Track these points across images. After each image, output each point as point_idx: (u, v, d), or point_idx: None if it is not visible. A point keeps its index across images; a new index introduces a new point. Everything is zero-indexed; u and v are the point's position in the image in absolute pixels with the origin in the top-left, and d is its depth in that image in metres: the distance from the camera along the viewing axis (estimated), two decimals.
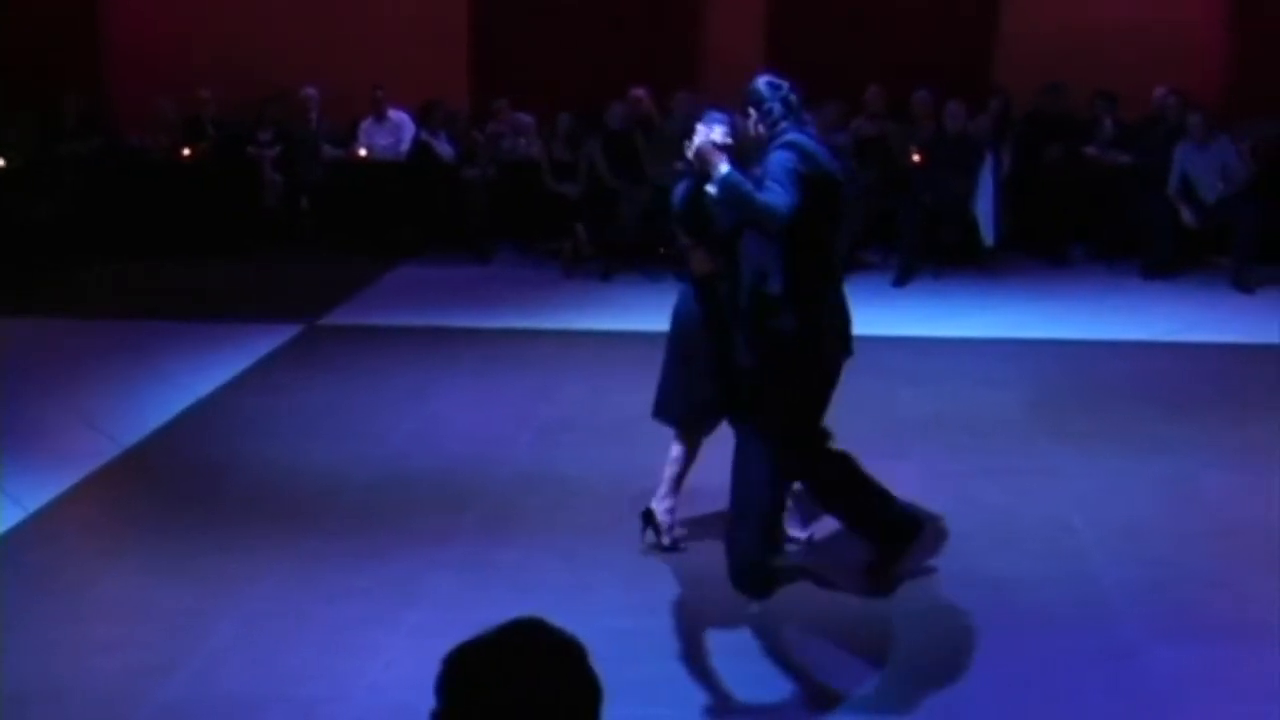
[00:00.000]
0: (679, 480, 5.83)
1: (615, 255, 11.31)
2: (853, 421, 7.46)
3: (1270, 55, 12.44)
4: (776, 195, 4.92)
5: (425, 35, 13.35)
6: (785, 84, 5.28)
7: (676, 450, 5.81)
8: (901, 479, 6.61)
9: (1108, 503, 6.38)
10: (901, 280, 10.99)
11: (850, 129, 11.98)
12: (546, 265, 11.63)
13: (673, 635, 5.17)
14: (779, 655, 5.07)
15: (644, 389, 8.17)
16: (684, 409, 5.75)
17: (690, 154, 5.23)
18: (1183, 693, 4.81)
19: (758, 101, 5.21)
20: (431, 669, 2.00)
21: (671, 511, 5.87)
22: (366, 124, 12.63)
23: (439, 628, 4.94)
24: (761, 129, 5.20)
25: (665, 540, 5.86)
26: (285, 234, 12.41)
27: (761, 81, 5.29)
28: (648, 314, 10.10)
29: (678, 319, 5.72)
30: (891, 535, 5.65)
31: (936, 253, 11.15)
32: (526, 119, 12.49)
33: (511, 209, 12.10)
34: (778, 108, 5.18)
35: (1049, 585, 5.62)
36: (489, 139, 12.45)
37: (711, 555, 5.83)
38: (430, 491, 6.64)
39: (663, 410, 5.85)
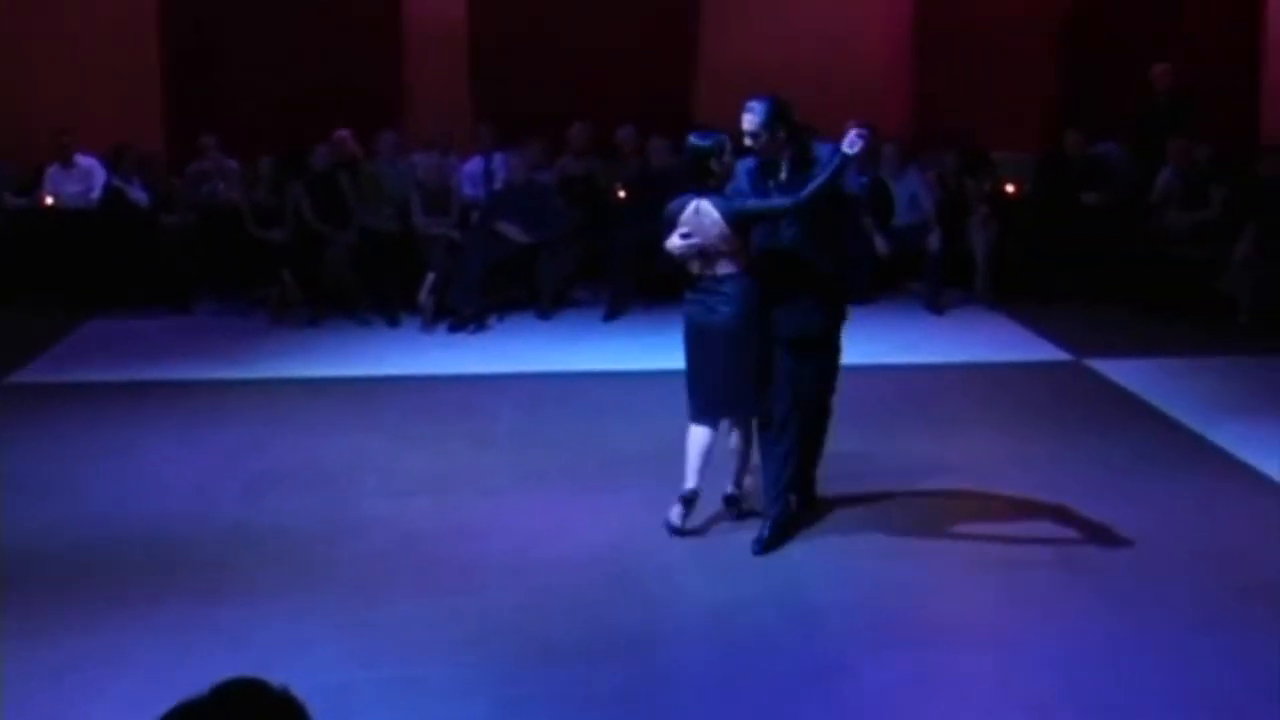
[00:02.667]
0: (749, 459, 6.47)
1: (323, 300, 11.12)
2: (566, 456, 7.53)
3: (948, 93, 13.19)
4: None
5: (114, 76, 12.86)
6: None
7: (738, 437, 6.44)
8: (619, 511, 6.70)
9: (816, 523, 6.56)
10: (611, 315, 11.12)
11: (556, 167, 12.09)
12: (252, 313, 11.33)
13: (394, 685, 5.08)
14: (507, 696, 5.03)
15: (354, 435, 8.10)
16: (752, 400, 6.32)
17: (855, 152, 6.16)
18: (893, 704, 4.99)
19: (786, 120, 6.23)
20: None
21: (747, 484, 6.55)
22: (52, 170, 12.06)
23: (151, 696, 4.70)
24: (785, 141, 6.21)
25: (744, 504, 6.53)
26: None
27: (775, 103, 6.20)
28: (357, 359, 10.00)
29: (723, 322, 6.24)
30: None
31: (646, 287, 11.28)
32: (228, 163, 12.16)
33: (214, 256, 11.74)
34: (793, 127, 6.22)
35: (761, 606, 5.74)
36: (189, 181, 12.06)
37: (424, 601, 5.76)
38: (137, 553, 6.36)
39: (733, 408, 6.40)
